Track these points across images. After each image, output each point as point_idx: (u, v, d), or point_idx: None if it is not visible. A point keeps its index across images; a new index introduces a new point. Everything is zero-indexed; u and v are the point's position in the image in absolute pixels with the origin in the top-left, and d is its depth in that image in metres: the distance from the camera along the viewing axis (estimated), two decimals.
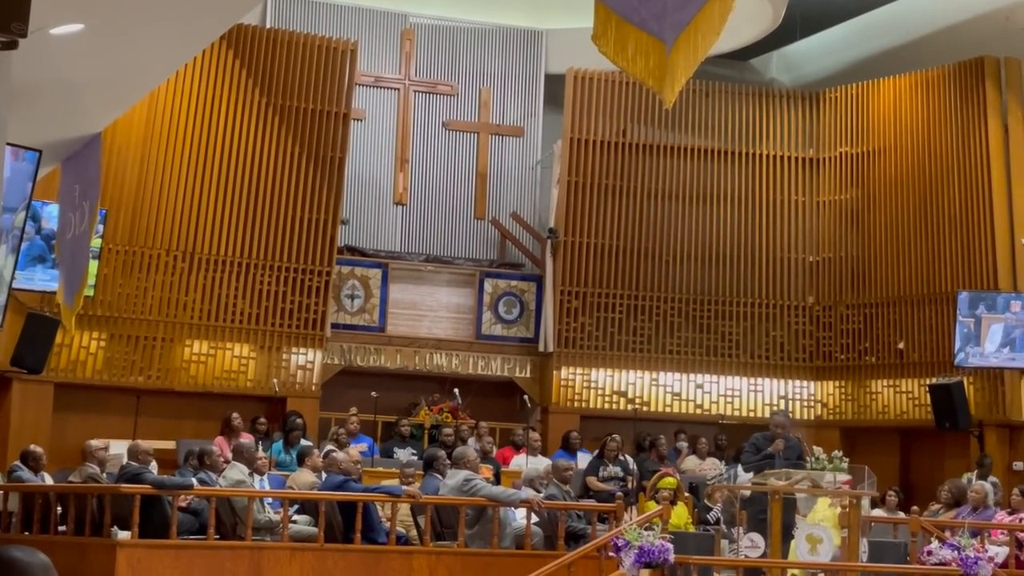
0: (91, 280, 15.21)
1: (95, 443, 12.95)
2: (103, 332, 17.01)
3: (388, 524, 12.54)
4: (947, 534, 12.59)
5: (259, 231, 17.85)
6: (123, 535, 11.69)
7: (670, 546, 11.55)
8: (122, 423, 16.48)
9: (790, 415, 15.71)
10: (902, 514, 15.05)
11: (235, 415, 15.98)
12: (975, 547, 12.19)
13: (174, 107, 17.38)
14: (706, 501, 14.82)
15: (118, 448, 13.82)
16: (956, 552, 12.02)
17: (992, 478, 15.87)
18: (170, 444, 15.77)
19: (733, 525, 12.73)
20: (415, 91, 19.62)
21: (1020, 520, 13.99)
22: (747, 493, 12.76)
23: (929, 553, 12.17)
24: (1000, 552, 13.25)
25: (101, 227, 15.99)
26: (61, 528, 12.49)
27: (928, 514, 14.52)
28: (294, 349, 17.96)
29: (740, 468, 14.94)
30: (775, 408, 18.49)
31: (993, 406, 18.06)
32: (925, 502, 15.53)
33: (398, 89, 19.56)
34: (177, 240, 17.44)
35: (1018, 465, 17.80)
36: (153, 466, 12.65)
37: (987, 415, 18.01)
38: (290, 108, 17.97)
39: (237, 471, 12.55)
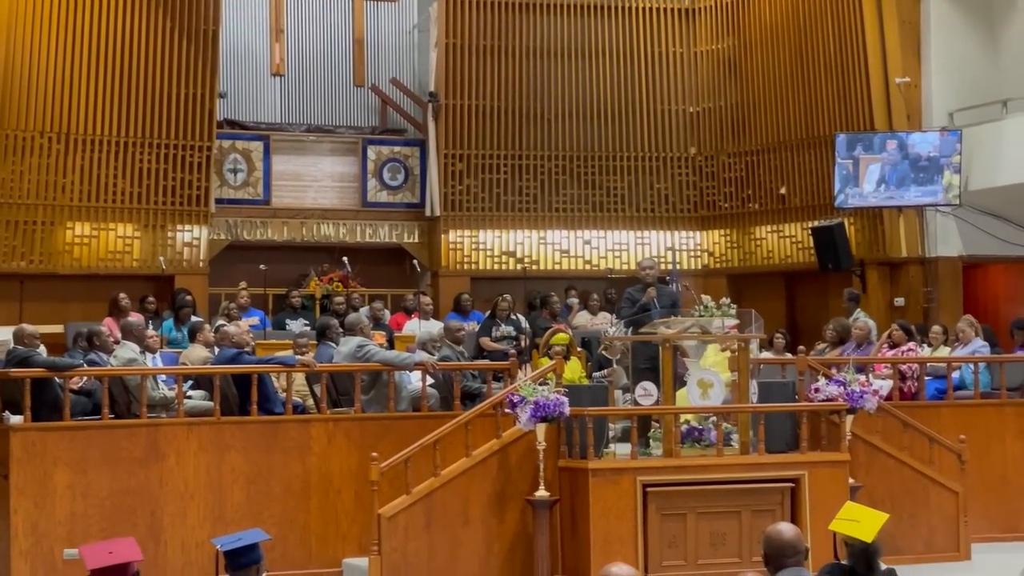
0: None
1: None
2: None
3: (284, 395, 12.54)
4: (833, 371, 12.91)
5: (135, 108, 17.54)
6: (15, 419, 11.58)
7: (565, 399, 11.71)
8: (7, 309, 16.27)
9: (666, 263, 15.67)
10: (789, 355, 15.34)
11: (123, 295, 15.81)
12: (860, 382, 12.52)
13: None
14: (603, 352, 14.94)
15: (3, 335, 13.62)
16: (842, 387, 12.34)
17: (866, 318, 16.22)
18: (58, 328, 15.55)
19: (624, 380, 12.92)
20: None
21: (902, 354, 14.37)
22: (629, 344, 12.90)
23: (817, 390, 12.48)
24: (884, 385, 13.61)
25: None
26: None
27: (815, 353, 14.82)
28: (179, 226, 17.79)
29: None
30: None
31: (873, 245, 18.41)
32: (811, 342, 15.83)
33: None
34: (51, 121, 17.09)
35: (899, 301, 18.22)
36: (41, 349, 12.48)
37: (868, 254, 18.38)
38: None
39: (128, 350, 12.46)
